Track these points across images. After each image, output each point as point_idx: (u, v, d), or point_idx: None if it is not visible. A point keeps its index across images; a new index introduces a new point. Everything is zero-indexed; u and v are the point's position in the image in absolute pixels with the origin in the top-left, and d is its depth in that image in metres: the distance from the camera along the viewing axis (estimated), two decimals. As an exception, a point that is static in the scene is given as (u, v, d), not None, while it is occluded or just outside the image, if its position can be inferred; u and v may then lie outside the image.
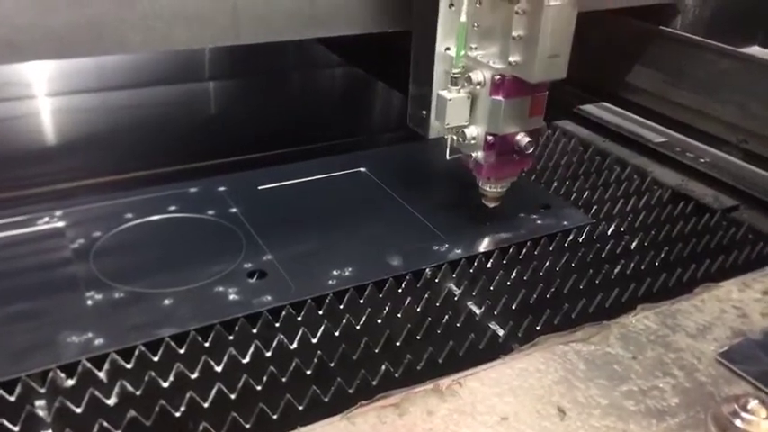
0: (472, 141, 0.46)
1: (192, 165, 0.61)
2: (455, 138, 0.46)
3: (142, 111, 0.75)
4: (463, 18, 0.43)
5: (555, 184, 0.59)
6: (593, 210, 0.55)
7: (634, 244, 0.51)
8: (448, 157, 0.47)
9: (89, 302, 0.41)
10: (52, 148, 0.66)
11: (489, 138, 0.45)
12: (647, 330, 0.36)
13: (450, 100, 0.44)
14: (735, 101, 0.64)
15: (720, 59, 0.65)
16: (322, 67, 0.93)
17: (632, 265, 0.48)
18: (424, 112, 0.47)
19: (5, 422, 0.34)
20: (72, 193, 0.54)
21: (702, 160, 0.63)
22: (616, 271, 0.48)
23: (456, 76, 0.44)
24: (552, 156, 0.64)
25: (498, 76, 0.43)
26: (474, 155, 0.47)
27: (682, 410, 0.31)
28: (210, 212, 0.51)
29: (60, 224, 0.48)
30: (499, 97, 0.43)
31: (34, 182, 0.57)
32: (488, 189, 0.49)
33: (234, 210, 0.51)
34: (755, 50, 0.74)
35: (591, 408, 0.31)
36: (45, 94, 0.77)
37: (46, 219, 0.48)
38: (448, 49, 0.45)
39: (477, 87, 0.44)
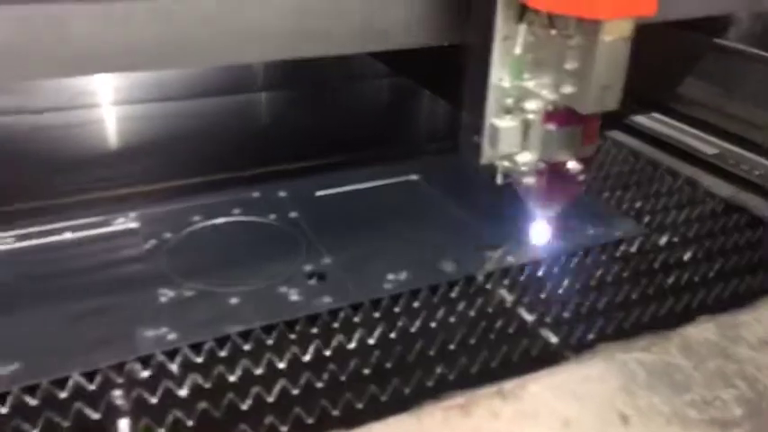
0: (524, 168, 0.46)
1: (250, 171, 0.63)
2: (507, 164, 0.47)
3: (200, 120, 0.78)
4: (518, 51, 0.43)
5: (606, 194, 0.59)
6: (646, 220, 0.55)
7: (688, 255, 0.51)
8: (499, 182, 0.48)
9: (162, 299, 0.43)
10: (115, 153, 0.69)
11: (541, 164, 0.46)
12: (708, 341, 0.36)
13: (503, 128, 0.45)
14: (790, 113, 0.63)
15: (775, 71, 0.64)
16: (370, 77, 0.95)
17: (686, 276, 0.48)
18: (476, 137, 0.47)
19: (87, 409, 0.36)
20: (144, 195, 0.56)
21: (756, 172, 0.63)
22: (670, 282, 0.48)
23: (509, 105, 0.45)
24: (603, 166, 0.64)
25: (551, 106, 0.43)
26: (525, 180, 0.47)
27: (746, 421, 0.31)
28: (272, 216, 0.53)
29: (134, 225, 0.51)
30: (552, 126, 0.44)
31: (100, 185, 0.60)
32: (540, 213, 0.50)
33: (293, 214, 0.53)
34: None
35: (654, 415, 0.31)
36: (110, 103, 0.81)
37: (122, 219, 0.51)
38: (501, 79, 0.45)
39: (530, 116, 0.44)
